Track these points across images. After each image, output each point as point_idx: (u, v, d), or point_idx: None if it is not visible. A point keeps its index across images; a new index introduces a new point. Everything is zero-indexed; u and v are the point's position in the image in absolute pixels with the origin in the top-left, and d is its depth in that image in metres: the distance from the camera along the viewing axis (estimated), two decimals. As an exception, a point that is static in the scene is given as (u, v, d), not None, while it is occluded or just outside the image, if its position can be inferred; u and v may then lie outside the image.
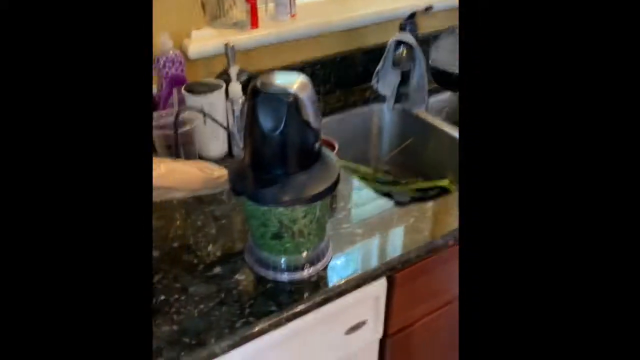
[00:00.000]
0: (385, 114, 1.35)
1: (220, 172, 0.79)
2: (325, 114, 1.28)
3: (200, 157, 1.04)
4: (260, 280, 0.74)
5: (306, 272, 0.75)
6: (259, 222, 0.73)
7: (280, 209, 0.69)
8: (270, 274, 0.75)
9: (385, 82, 1.25)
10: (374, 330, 0.87)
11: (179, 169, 0.75)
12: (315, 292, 0.72)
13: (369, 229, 0.85)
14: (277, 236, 0.72)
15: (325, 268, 0.76)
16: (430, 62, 1.29)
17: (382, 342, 0.91)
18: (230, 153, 1.07)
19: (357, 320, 0.84)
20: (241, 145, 1.05)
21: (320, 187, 0.68)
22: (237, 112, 1.02)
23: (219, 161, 1.05)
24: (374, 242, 0.82)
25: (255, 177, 0.67)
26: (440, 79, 1.32)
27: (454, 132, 1.23)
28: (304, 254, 0.75)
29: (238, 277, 0.75)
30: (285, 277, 0.75)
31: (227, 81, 1.01)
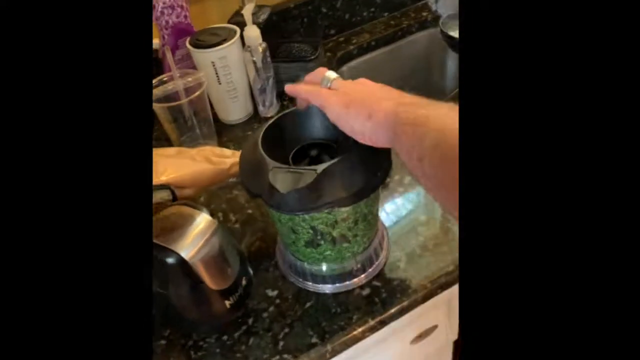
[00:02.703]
0: (439, 43, 1.08)
1: (235, 159, 0.60)
2: (367, 48, 1.03)
3: (219, 124, 0.85)
4: (297, 295, 0.58)
5: (356, 281, 0.58)
6: (287, 227, 0.55)
7: (313, 214, 0.50)
8: (309, 286, 0.58)
9: (447, -1, 0.97)
10: (447, 334, 0.70)
11: (184, 165, 0.57)
12: (368, 311, 0.55)
13: (436, 214, 0.65)
14: (312, 244, 0.54)
15: (380, 273, 0.58)
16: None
17: (457, 343, 0.74)
18: (256, 113, 0.88)
19: (426, 327, 0.66)
20: (267, 102, 0.85)
21: (365, 178, 0.48)
22: (259, 63, 0.81)
23: (243, 125, 0.86)
24: (446, 231, 0.62)
25: (274, 170, 0.48)
26: None
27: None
28: (351, 260, 0.57)
29: (269, 292, 0.59)
30: (328, 289, 0.58)
31: (242, 25, 0.79)
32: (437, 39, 1.07)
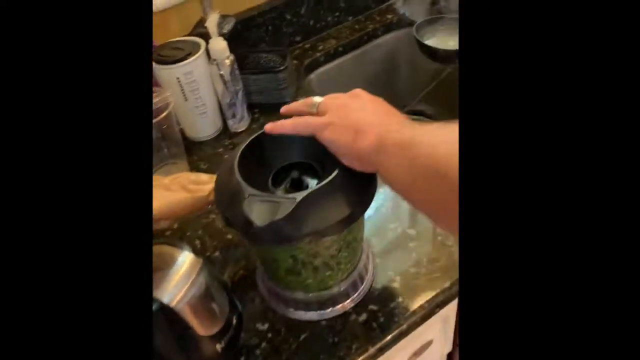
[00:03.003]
0: (414, 43, 1.07)
1: (213, 184, 0.56)
2: (334, 54, 1.00)
3: (188, 141, 0.80)
4: (289, 326, 0.54)
5: (346, 305, 0.55)
6: (266, 255, 0.51)
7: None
8: (299, 314, 0.55)
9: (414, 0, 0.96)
10: (442, 347, 0.68)
11: (159, 196, 0.52)
12: (367, 339, 0.52)
13: (424, 226, 0.62)
14: (293, 272, 0.51)
15: (375, 295, 0.56)
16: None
17: (451, 355, 0.73)
18: (225, 128, 0.83)
19: (422, 343, 0.64)
20: (238, 116, 0.81)
21: (350, 205, 0.43)
22: (227, 76, 0.76)
23: (213, 142, 0.82)
24: (438, 245, 0.60)
25: (250, 198, 0.43)
26: None
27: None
28: (334, 288, 0.54)
29: (259, 325, 0.55)
30: (316, 315, 0.54)
31: (206, 36, 0.75)
32: (402, 41, 1.06)
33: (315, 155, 0.49)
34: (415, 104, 1.16)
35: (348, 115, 0.44)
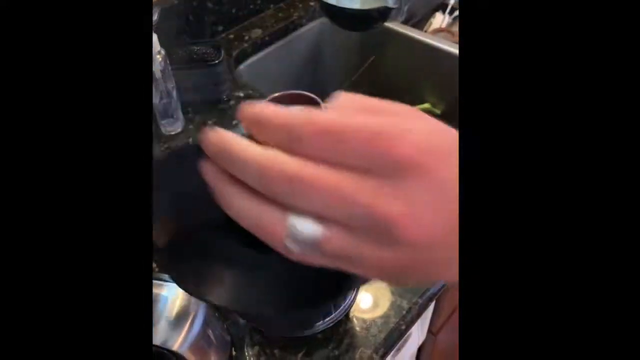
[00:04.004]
0: (339, 30, 1.05)
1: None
2: (261, 44, 0.95)
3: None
4: (283, 345, 0.50)
5: (321, 326, 0.51)
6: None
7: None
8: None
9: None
10: (418, 337, 0.68)
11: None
12: (368, 345, 0.49)
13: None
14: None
15: (348, 314, 0.53)
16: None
17: (421, 345, 0.73)
18: (157, 132, 0.74)
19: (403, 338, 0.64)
20: (175, 116, 0.73)
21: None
22: (158, 74, 0.67)
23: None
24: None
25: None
26: None
27: (427, 40, 0.97)
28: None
29: (249, 350, 0.49)
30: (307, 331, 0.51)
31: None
32: (328, 29, 1.04)
33: None
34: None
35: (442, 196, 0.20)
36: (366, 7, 0.87)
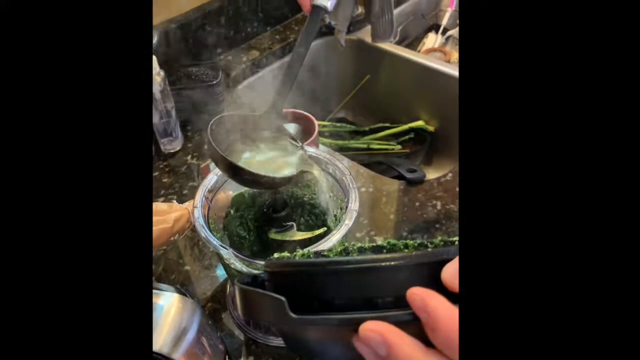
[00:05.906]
0: (335, 51, 1.08)
1: (176, 212, 0.51)
2: (258, 65, 0.98)
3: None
4: (278, 356, 0.51)
5: None
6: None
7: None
8: (271, 340, 0.52)
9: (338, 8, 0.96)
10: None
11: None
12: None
13: (387, 226, 0.63)
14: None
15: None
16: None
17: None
18: (157, 150, 0.76)
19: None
20: (174, 135, 0.75)
21: None
22: (157, 94, 0.70)
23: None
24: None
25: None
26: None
27: (420, 60, 1.00)
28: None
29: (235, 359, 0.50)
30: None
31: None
32: (323, 49, 1.07)
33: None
34: (337, 111, 1.17)
35: None
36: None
